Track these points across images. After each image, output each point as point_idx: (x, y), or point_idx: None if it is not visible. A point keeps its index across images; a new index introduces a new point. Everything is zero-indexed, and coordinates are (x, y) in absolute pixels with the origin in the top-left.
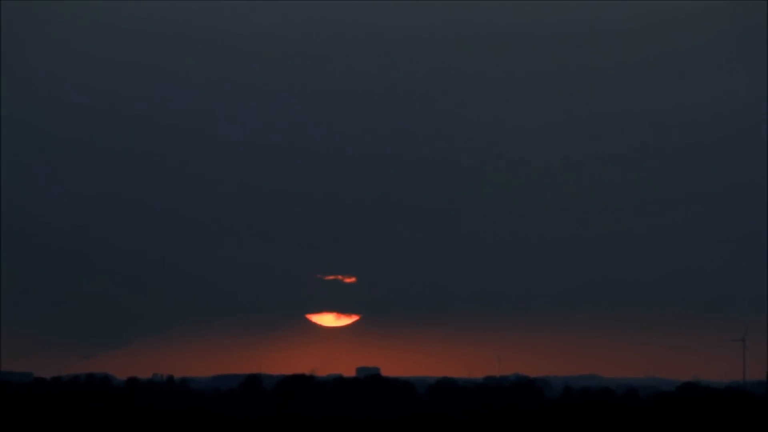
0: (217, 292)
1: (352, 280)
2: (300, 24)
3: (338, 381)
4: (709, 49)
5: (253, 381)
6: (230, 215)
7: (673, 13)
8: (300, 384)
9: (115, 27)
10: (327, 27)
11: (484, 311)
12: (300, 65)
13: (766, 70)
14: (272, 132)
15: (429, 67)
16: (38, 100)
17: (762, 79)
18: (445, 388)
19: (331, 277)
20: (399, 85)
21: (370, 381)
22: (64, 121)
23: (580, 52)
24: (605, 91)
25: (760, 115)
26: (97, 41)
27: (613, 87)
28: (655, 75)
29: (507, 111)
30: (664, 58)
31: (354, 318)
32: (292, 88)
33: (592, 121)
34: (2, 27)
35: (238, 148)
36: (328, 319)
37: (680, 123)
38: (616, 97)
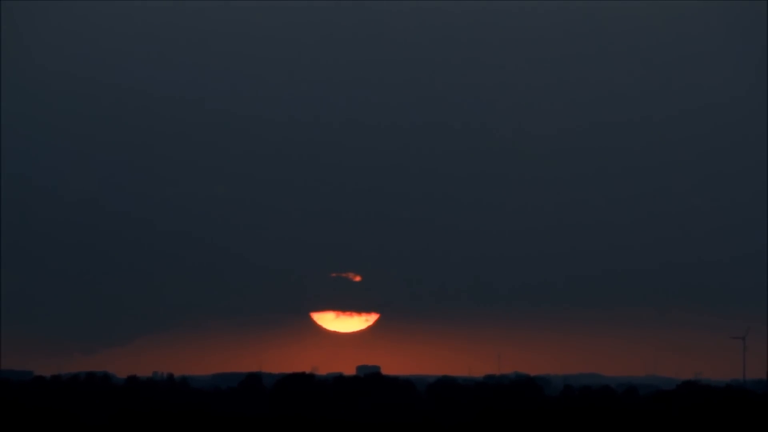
0: (218, 290)
1: (358, 278)
2: None
3: (338, 379)
4: (708, 49)
5: (253, 379)
6: (232, 212)
7: (674, 12)
8: (300, 382)
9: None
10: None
11: (485, 310)
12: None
13: (767, 69)
14: (276, 127)
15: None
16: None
17: (762, 79)
18: (445, 386)
19: (335, 275)
20: (413, 84)
21: (370, 379)
22: (66, 115)
23: (580, 50)
24: (604, 90)
25: (760, 114)
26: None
27: (611, 88)
28: (655, 73)
29: (520, 108)
30: (664, 57)
31: (357, 316)
32: (310, 71)
33: (592, 121)
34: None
35: (239, 145)
36: (329, 318)
37: (682, 122)
38: (616, 97)
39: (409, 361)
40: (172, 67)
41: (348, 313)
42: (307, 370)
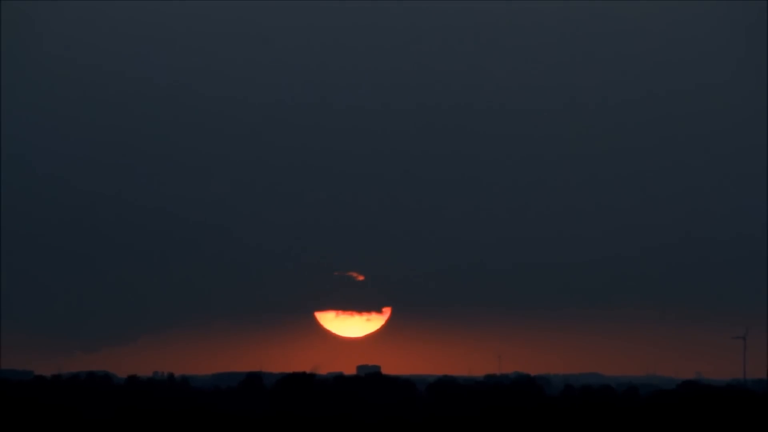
0: (218, 289)
1: (361, 278)
2: None
3: (339, 379)
4: (708, 49)
5: (254, 379)
6: (231, 212)
7: (673, 13)
8: (300, 382)
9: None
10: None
11: (485, 309)
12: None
13: (767, 69)
14: (279, 123)
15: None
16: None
17: (762, 80)
18: (445, 386)
19: (338, 273)
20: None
21: (370, 379)
22: (70, 110)
23: (581, 50)
24: (604, 90)
25: (760, 114)
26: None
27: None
28: (655, 73)
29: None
30: (663, 57)
31: (358, 316)
32: (313, 67)
33: (593, 121)
34: None
35: (240, 143)
36: (329, 317)
37: (682, 123)
38: (616, 96)
39: (409, 360)
40: (177, 55)
41: (349, 312)
42: (308, 369)
